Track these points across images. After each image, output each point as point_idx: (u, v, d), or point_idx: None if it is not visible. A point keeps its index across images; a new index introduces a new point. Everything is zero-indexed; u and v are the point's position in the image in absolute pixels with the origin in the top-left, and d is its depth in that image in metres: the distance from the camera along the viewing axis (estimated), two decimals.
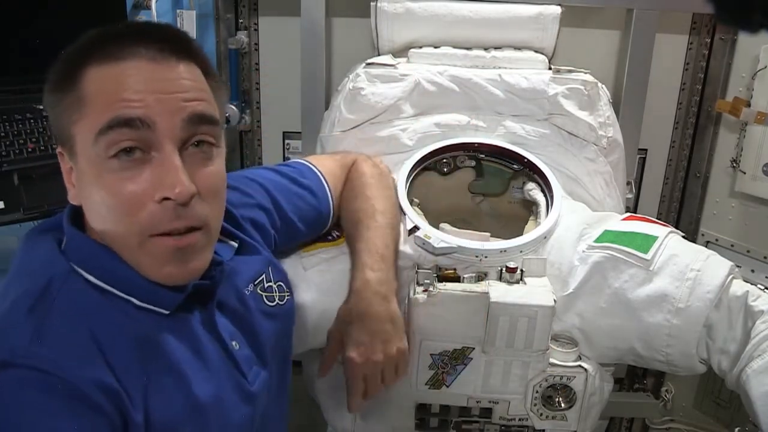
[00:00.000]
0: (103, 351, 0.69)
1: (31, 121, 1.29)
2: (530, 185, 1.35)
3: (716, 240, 1.72)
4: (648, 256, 1.12)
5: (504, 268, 1.14)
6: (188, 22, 1.57)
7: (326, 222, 1.14)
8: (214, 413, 0.77)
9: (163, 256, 0.73)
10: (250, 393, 0.83)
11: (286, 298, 0.97)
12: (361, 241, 1.08)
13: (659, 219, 1.66)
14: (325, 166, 1.14)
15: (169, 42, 0.74)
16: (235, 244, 0.91)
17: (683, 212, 1.82)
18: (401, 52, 1.51)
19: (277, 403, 0.96)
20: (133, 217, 0.71)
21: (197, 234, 0.74)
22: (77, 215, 0.78)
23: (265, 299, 0.92)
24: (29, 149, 1.28)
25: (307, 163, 1.13)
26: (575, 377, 1.15)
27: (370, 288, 1.02)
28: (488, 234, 1.23)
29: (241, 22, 1.72)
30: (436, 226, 1.23)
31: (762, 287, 1.13)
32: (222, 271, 0.82)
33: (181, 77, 0.73)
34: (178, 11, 1.57)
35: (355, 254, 1.08)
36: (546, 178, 1.32)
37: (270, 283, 0.95)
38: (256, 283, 0.92)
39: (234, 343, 0.83)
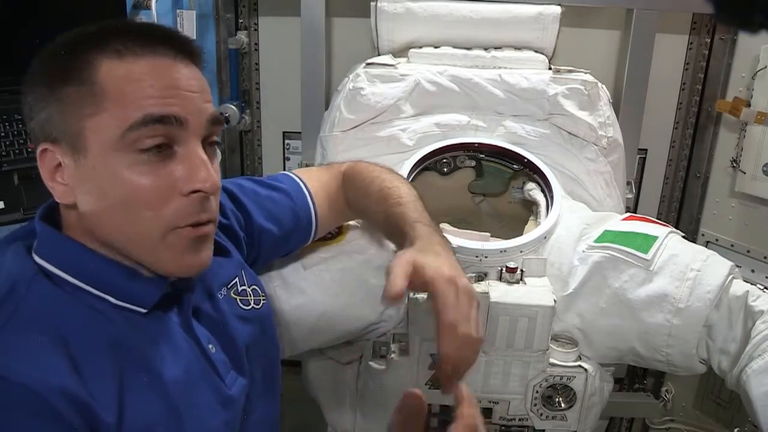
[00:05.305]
0: (71, 355, 0.67)
1: None
2: (530, 185, 1.35)
3: (716, 240, 1.72)
4: (648, 256, 1.12)
5: (504, 268, 1.14)
6: (188, 22, 1.57)
7: (309, 225, 1.08)
8: (191, 416, 0.75)
9: (183, 246, 0.74)
10: (229, 397, 0.81)
11: (262, 301, 0.96)
12: (400, 206, 0.98)
13: (659, 219, 1.66)
14: (307, 173, 1.12)
15: (181, 45, 0.76)
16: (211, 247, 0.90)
17: (683, 212, 1.82)
18: (401, 52, 1.51)
19: (268, 410, 0.94)
20: (156, 210, 0.72)
21: (210, 225, 0.77)
22: (50, 216, 0.77)
23: (239, 303, 0.91)
24: (29, 149, 1.29)
25: (287, 173, 1.12)
26: (575, 377, 1.15)
27: (434, 237, 0.90)
28: (488, 234, 1.23)
29: (241, 22, 1.72)
30: None
31: (762, 287, 1.13)
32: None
33: (196, 78, 0.76)
34: (178, 11, 1.57)
35: (398, 217, 0.96)
36: (546, 178, 1.32)
37: (244, 287, 0.93)
38: (229, 286, 0.90)
39: (210, 346, 0.82)
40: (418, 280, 0.81)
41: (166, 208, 0.72)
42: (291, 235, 1.08)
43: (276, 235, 1.05)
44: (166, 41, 0.74)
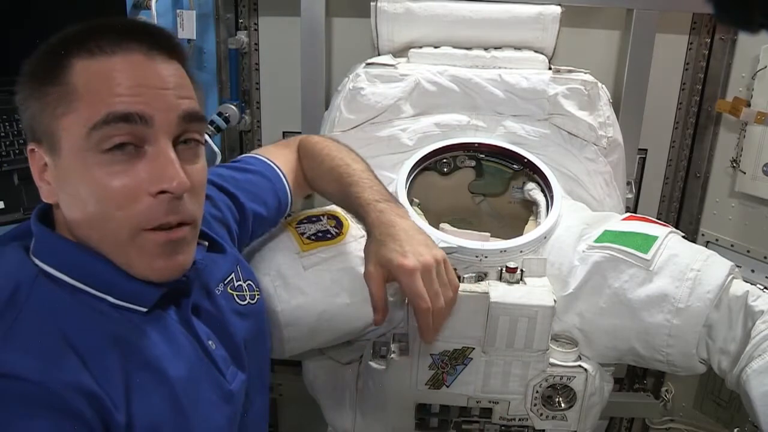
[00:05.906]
0: (80, 353, 0.67)
1: None
2: (530, 185, 1.35)
3: (716, 240, 1.72)
4: (648, 256, 1.12)
5: (504, 268, 1.14)
6: (188, 22, 1.57)
7: (286, 203, 1.13)
8: (196, 413, 0.75)
9: (153, 250, 0.72)
10: (230, 392, 0.82)
11: (257, 297, 0.96)
12: (354, 186, 1.04)
13: (659, 219, 1.66)
14: (269, 151, 1.16)
15: (158, 39, 0.74)
16: (206, 243, 0.90)
17: (683, 212, 1.82)
18: (401, 52, 1.51)
19: (260, 405, 0.95)
20: (125, 210, 0.70)
21: (186, 228, 0.75)
22: (45, 217, 0.77)
23: (236, 298, 0.91)
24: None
25: (254, 155, 1.14)
26: (575, 377, 1.15)
27: (387, 214, 0.99)
28: (488, 234, 1.23)
29: (241, 22, 1.72)
30: (436, 226, 1.23)
31: (762, 287, 1.13)
32: (196, 270, 0.82)
33: (172, 74, 0.74)
34: (178, 11, 1.57)
35: (353, 198, 1.04)
36: (546, 178, 1.32)
37: (240, 282, 0.93)
38: (226, 282, 0.90)
39: (210, 342, 0.82)
40: (388, 275, 0.95)
41: (134, 208, 0.70)
42: (274, 215, 1.11)
43: (264, 216, 1.08)
44: (141, 37, 0.72)
